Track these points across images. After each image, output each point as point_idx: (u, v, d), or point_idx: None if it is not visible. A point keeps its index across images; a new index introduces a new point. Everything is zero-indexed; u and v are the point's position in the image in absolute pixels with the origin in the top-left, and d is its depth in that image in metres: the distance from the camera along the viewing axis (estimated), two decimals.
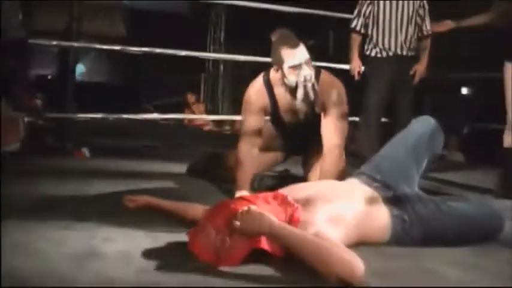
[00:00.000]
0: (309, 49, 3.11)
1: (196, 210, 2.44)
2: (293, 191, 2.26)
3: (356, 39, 4.81)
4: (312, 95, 3.09)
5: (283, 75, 3.08)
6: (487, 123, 5.61)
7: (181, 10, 11.30)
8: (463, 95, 6.72)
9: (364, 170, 2.60)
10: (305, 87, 3.06)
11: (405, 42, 4.69)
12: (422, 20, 4.73)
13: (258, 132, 3.22)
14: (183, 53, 4.80)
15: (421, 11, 4.71)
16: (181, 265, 1.94)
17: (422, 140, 2.65)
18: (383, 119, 4.87)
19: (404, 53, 4.71)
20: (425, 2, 4.71)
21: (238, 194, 2.96)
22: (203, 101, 10.75)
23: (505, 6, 3.71)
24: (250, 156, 3.17)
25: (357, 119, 4.93)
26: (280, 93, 3.21)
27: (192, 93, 9.80)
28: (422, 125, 2.73)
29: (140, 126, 7.01)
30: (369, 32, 4.76)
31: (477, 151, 6.03)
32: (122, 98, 9.90)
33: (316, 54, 3.57)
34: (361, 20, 4.76)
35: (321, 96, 3.16)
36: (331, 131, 3.14)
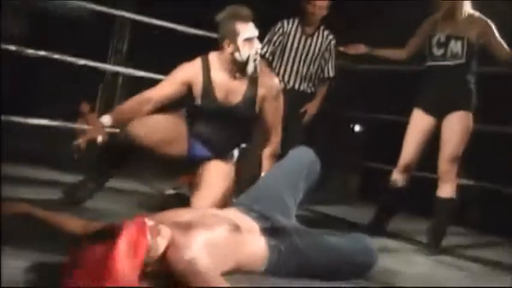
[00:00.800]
0: None
1: (76, 223, 2.39)
2: (175, 215, 2.27)
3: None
4: (258, 70, 3.24)
5: (236, 49, 3.16)
6: (373, 163, 5.83)
7: (85, 15, 11.09)
8: (354, 133, 6.97)
9: (242, 200, 2.65)
10: (255, 60, 3.19)
11: (305, 79, 4.84)
12: (326, 62, 4.89)
13: (164, 99, 3.22)
14: (82, 61, 4.72)
15: (326, 54, 4.87)
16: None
17: (300, 171, 2.75)
18: None
19: (302, 88, 4.85)
20: (332, 46, 4.85)
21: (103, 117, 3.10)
22: (98, 111, 10.54)
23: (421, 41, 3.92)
24: (139, 104, 3.18)
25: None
26: (218, 74, 3.26)
27: (87, 103, 9.56)
28: (300, 155, 2.83)
29: (31, 131, 6.80)
30: (274, 61, 4.87)
31: (360, 188, 6.28)
32: (15, 101, 9.55)
33: None
34: (270, 47, 4.85)
35: (261, 85, 3.29)
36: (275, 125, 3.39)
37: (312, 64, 4.85)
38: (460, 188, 3.78)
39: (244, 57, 3.18)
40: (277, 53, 4.86)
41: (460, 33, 3.75)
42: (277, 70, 4.84)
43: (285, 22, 4.87)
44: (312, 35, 4.83)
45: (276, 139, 3.43)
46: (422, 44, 3.96)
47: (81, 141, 2.95)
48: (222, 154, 3.39)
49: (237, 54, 3.18)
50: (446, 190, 3.69)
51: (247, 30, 3.17)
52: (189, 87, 3.26)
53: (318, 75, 4.90)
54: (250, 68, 3.21)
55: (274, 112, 3.36)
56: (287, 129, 4.83)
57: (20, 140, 5.74)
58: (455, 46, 3.73)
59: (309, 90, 4.90)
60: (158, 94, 3.20)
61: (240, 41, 3.15)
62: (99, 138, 2.97)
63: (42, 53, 4.60)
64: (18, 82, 10.96)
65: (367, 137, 6.85)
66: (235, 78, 3.26)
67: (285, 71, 4.83)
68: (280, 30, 4.85)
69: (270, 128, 3.39)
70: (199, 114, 3.35)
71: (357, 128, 6.97)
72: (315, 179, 2.83)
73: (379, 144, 6.14)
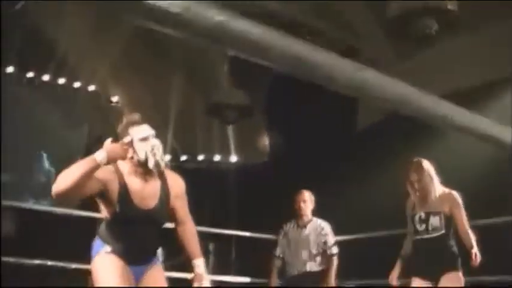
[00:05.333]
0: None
1: None
2: None
3: (276, 264, 5.73)
4: (162, 163, 3.42)
5: (134, 152, 3.35)
6: None
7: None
8: None
9: None
10: (155, 155, 3.37)
11: (311, 260, 5.60)
12: (326, 243, 5.67)
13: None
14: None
15: (322, 238, 5.68)
16: None
17: None
18: None
19: (312, 269, 5.65)
20: (326, 230, 5.68)
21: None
22: None
23: None
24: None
25: None
26: (131, 179, 3.39)
27: None
28: None
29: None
30: (285, 257, 5.70)
31: None
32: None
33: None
34: (280, 248, 5.74)
35: (171, 185, 3.55)
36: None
37: (312, 247, 5.60)
38: None
39: (142, 155, 3.35)
40: (286, 246, 5.70)
41: (436, 209, 4.41)
42: (290, 263, 5.65)
43: (284, 226, 5.82)
44: (305, 225, 5.65)
45: (191, 222, 3.66)
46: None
47: None
48: (148, 260, 3.50)
49: (135, 156, 3.36)
50: None
51: (140, 131, 3.40)
52: (103, 192, 3.30)
53: (321, 254, 5.61)
54: (150, 163, 3.36)
55: (185, 206, 3.65)
56: None
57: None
58: (435, 220, 4.39)
59: (316, 269, 5.58)
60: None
61: (136, 142, 3.36)
62: None
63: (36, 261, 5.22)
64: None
65: None
66: (146, 181, 3.41)
67: (296, 260, 5.61)
68: (282, 233, 5.76)
69: (184, 217, 3.61)
70: (118, 224, 3.40)
71: None
72: None
73: None
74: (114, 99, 11.19)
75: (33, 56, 9.76)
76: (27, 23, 8.97)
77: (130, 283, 3.31)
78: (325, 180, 8.55)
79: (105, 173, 3.27)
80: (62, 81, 10.44)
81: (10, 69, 9.79)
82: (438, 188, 4.49)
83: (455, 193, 4.49)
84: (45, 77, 10.28)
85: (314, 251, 5.68)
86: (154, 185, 3.45)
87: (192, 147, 11.88)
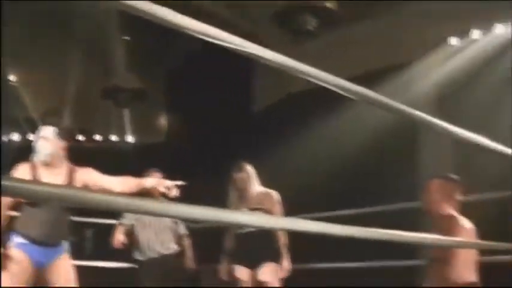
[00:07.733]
0: None
1: None
2: None
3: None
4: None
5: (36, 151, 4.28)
6: None
7: None
8: None
9: None
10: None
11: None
12: (177, 224, 5.78)
13: None
14: None
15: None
16: None
17: None
18: None
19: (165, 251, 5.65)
20: None
21: None
22: None
23: None
24: None
25: None
26: (42, 173, 4.25)
27: None
28: None
29: None
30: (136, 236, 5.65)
31: None
32: None
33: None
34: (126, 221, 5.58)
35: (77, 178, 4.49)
36: None
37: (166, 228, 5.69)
38: None
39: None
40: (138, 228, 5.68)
41: (256, 205, 4.94)
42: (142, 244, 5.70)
43: None
44: None
45: None
46: None
47: None
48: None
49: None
50: None
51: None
52: None
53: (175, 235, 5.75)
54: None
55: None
56: None
57: None
58: None
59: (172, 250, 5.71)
60: None
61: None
62: None
63: None
64: None
65: None
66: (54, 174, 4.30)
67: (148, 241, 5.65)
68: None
69: None
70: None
71: None
72: None
73: None
74: (12, 78, 11.11)
75: None
76: None
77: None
78: (221, 159, 9.05)
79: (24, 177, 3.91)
80: None
81: None
82: (257, 188, 5.04)
83: (274, 192, 5.06)
84: None
85: (169, 232, 5.76)
86: (60, 173, 4.32)
87: (88, 127, 11.98)
